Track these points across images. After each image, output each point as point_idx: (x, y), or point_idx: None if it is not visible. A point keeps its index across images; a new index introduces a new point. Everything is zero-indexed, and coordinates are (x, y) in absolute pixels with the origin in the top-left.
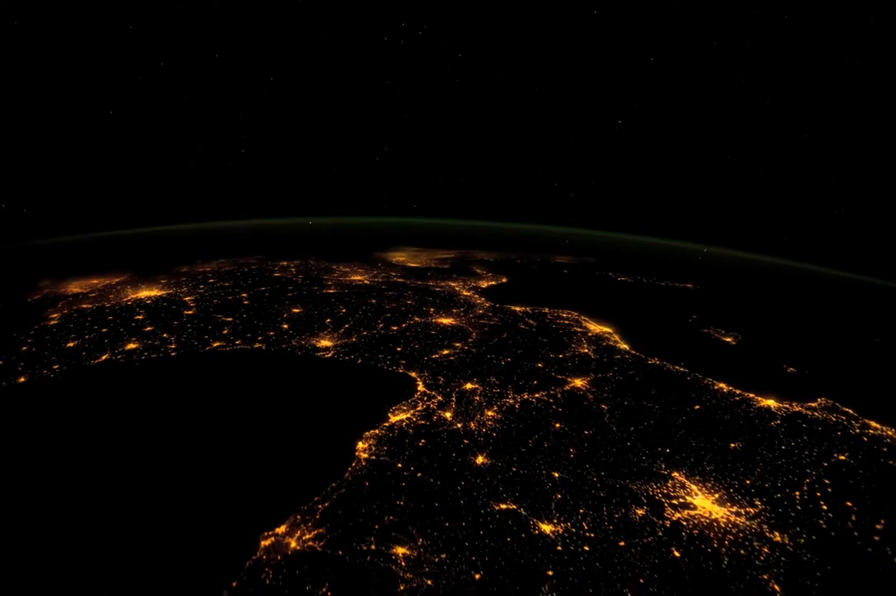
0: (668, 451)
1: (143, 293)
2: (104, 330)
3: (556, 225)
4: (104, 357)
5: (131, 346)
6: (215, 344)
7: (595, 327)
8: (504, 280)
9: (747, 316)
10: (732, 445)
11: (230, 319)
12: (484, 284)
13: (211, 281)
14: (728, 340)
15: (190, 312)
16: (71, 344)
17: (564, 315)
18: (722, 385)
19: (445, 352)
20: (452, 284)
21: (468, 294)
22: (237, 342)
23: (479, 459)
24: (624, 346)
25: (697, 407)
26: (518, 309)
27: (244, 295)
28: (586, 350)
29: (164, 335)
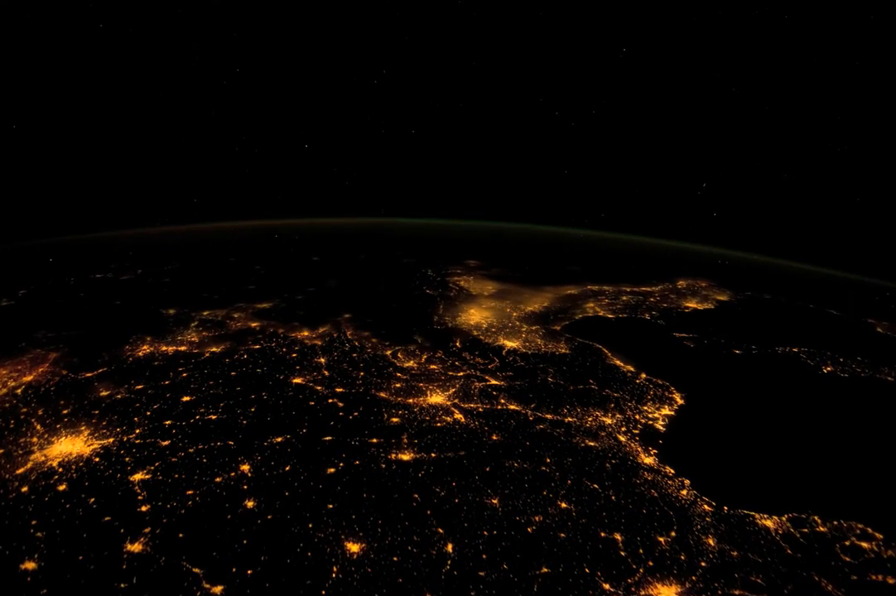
0: None
1: (61, 448)
2: None
3: (554, 224)
4: None
5: None
6: None
7: None
8: (679, 400)
9: None
10: None
11: None
12: (655, 416)
13: (186, 399)
14: None
15: (137, 549)
16: None
17: (872, 556)
18: None
19: None
20: (604, 419)
21: (650, 462)
22: None
23: None
24: None
25: None
26: (769, 524)
27: (246, 469)
28: None
29: None
